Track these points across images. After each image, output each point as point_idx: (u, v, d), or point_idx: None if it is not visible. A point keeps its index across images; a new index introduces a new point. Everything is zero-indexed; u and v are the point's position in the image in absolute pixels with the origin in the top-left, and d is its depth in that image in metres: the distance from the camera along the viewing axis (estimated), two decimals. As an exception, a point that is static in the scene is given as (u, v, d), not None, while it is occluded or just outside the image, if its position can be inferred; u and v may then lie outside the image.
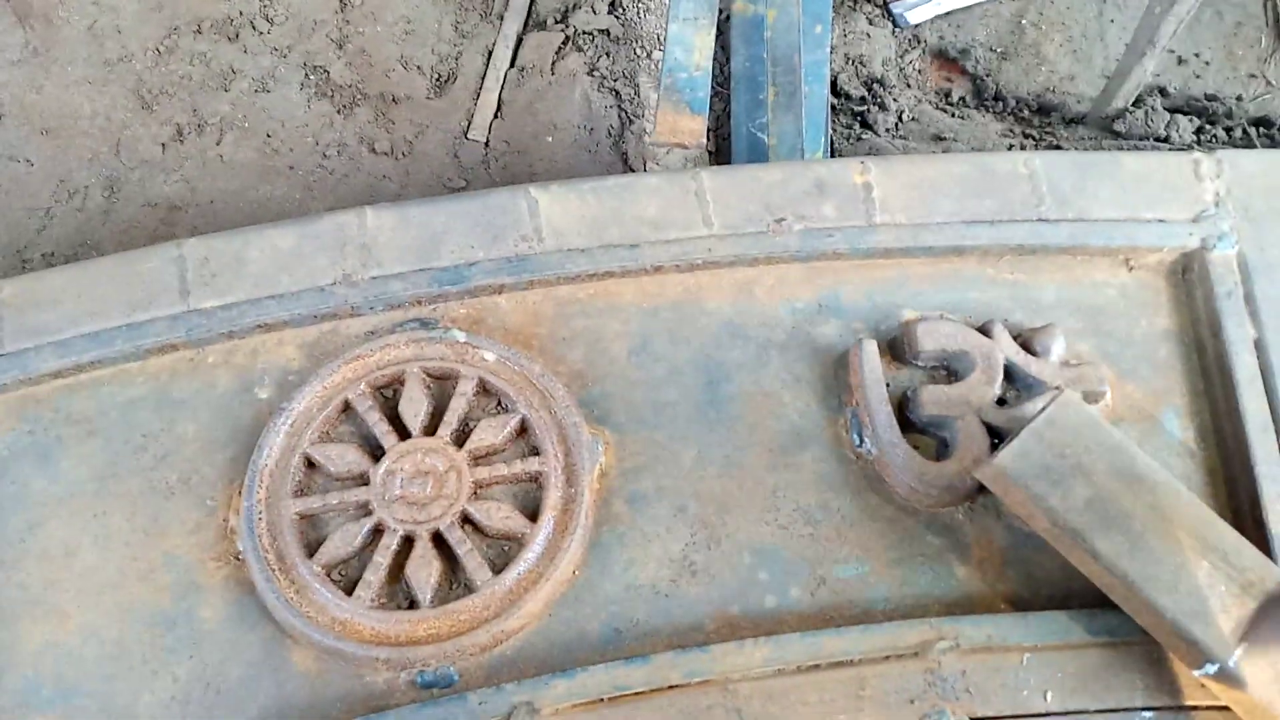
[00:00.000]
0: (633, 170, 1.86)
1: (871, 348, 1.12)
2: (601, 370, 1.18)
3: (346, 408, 1.12)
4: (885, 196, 1.24)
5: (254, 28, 2.07)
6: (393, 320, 1.20)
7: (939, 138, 1.92)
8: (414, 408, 1.11)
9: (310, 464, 1.09)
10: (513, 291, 1.22)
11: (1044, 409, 1.01)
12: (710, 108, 1.68)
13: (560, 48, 2.05)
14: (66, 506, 1.08)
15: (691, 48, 1.53)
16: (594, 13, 2.07)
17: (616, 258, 1.22)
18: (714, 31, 1.58)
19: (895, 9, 2.09)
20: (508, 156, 1.93)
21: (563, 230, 1.23)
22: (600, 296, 1.23)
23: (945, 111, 1.98)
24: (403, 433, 1.10)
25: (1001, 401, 1.11)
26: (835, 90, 1.95)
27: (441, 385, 1.16)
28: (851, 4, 2.08)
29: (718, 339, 1.19)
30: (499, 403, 1.14)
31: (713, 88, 1.75)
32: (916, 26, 2.10)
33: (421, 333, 1.16)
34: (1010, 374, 1.12)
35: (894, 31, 2.09)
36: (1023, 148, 1.85)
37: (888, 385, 1.12)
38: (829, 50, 1.84)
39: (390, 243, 1.21)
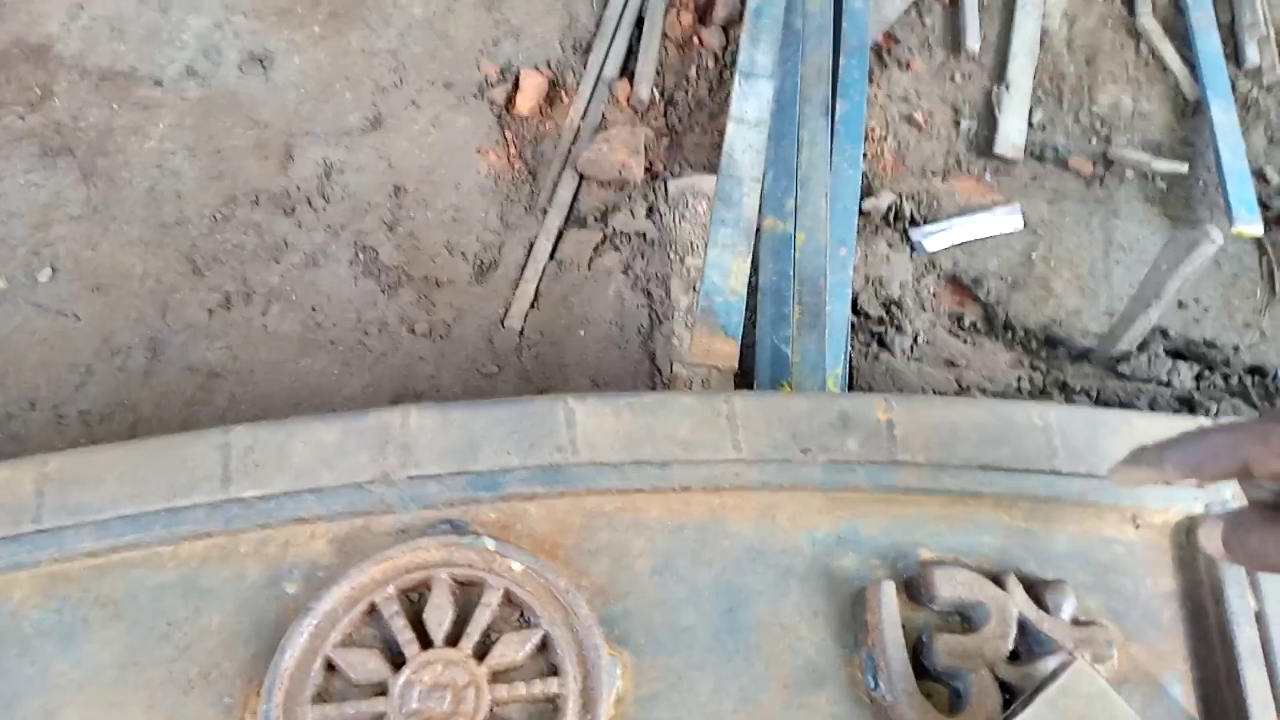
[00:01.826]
0: (659, 370, 1.89)
1: (890, 590, 1.12)
2: (624, 586, 1.17)
3: (372, 609, 1.11)
4: (906, 435, 1.26)
5: (310, 204, 2.14)
6: (425, 520, 1.20)
7: (951, 363, 1.96)
8: (439, 615, 1.10)
9: (331, 666, 1.07)
10: (543, 499, 1.22)
11: (1056, 673, 1.00)
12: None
13: (598, 246, 2.12)
14: (85, 693, 1.06)
15: (728, 273, 1.59)
16: (632, 215, 2.14)
17: (647, 475, 1.23)
18: (750, 258, 1.64)
19: (914, 236, 2.17)
20: (540, 346, 1.97)
21: (596, 443, 1.25)
22: (627, 510, 1.23)
23: (958, 337, 2.03)
24: (425, 640, 1.09)
25: (1014, 655, 1.10)
26: (855, 308, 2.00)
27: (467, 590, 1.15)
28: (874, 229, 2.16)
29: (739, 563, 1.19)
30: (522, 614, 1.13)
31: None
32: (933, 253, 2.18)
33: (452, 537, 1.16)
34: (1023, 628, 1.11)
35: (912, 256, 2.16)
36: (1030, 380, 1.89)
37: (903, 626, 1.12)
38: (851, 272, 1.90)
39: (430, 444, 1.23)
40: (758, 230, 1.87)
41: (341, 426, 1.24)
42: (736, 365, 1.53)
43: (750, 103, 1.92)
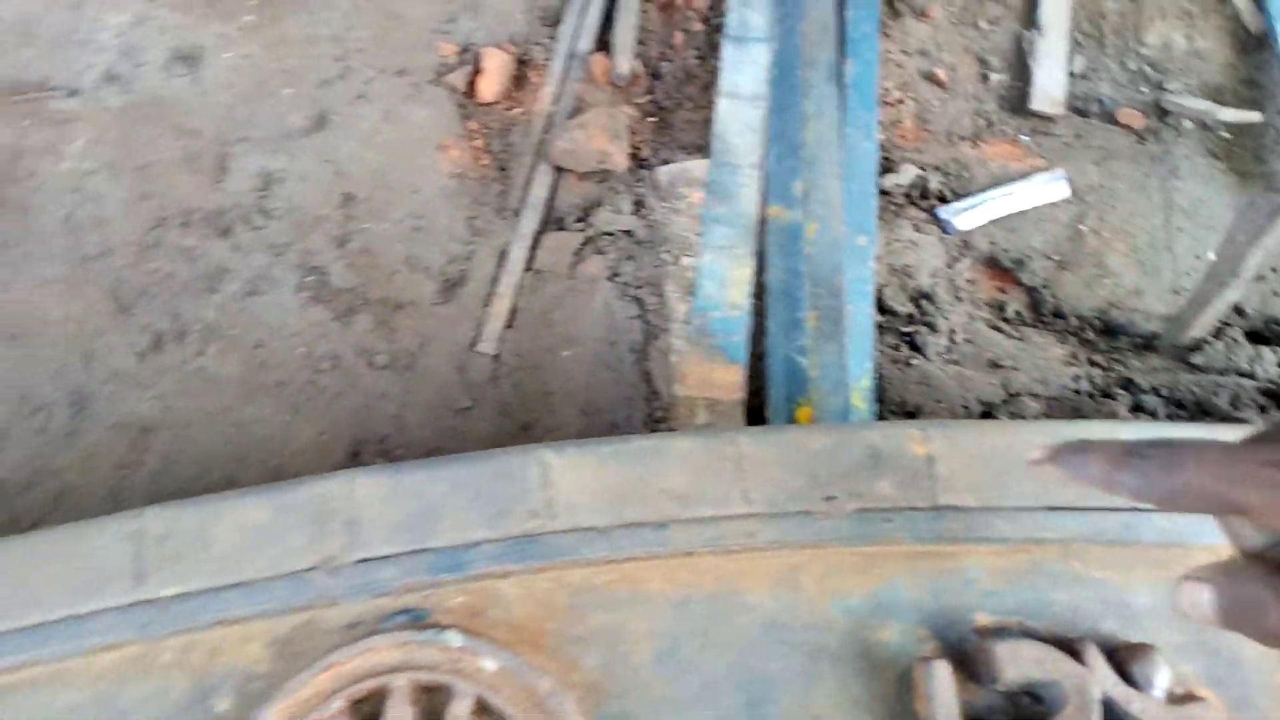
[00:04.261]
0: (657, 392, 1.78)
1: (943, 673, 1.00)
2: (622, 681, 1.06)
3: (318, 729, 1.00)
4: (951, 472, 1.14)
5: (248, 222, 2.04)
6: (378, 610, 1.09)
7: (995, 364, 1.84)
8: (398, 734, 0.99)
9: (270, 805, 0.96)
10: (520, 577, 1.11)
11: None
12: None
13: (580, 249, 2.01)
14: None
15: (726, 282, 1.47)
16: (618, 212, 2.03)
17: (641, 540, 1.12)
18: (753, 263, 1.52)
19: (942, 215, 2.05)
20: (520, 373, 1.86)
21: (577, 505, 1.13)
22: (621, 584, 1.12)
23: (1001, 331, 1.92)
24: (383, 765, 0.98)
25: (1100, 743, 0.98)
26: (880, 306, 1.89)
27: (432, 695, 1.04)
28: (896, 210, 2.05)
29: (758, 645, 1.08)
30: (499, 724, 1.02)
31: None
32: (966, 233, 2.06)
33: (410, 633, 1.05)
34: (1108, 710, 1.00)
35: (942, 239, 2.04)
36: (1090, 380, 1.77)
37: (962, 712, 1.00)
38: (873, 264, 1.79)
39: (380, 517, 1.12)
40: (761, 223, 1.75)
41: (272, 503, 1.13)
42: (742, 394, 1.41)
43: (743, 73, 1.80)
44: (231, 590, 1.08)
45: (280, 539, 1.10)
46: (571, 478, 1.15)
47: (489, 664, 1.04)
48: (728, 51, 1.81)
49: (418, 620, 1.07)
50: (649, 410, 1.78)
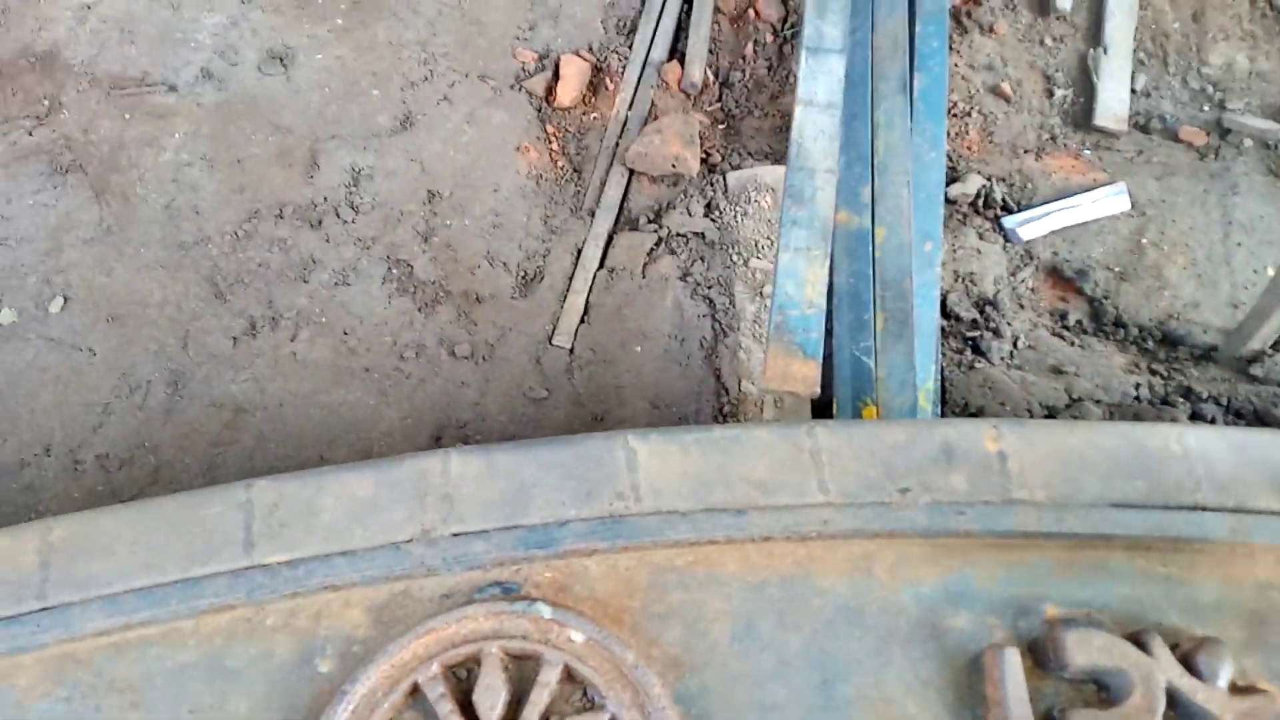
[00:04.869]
0: (725, 388, 1.80)
1: (1014, 660, 1.02)
2: (700, 657, 1.09)
3: (415, 690, 1.04)
4: (1022, 469, 1.15)
5: (338, 215, 2.08)
6: (471, 582, 1.12)
7: (1058, 370, 1.84)
8: (490, 697, 1.02)
9: (372, 759, 1.00)
10: (605, 555, 1.14)
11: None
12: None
13: (652, 249, 2.03)
14: (95, 798, 1.00)
15: (803, 282, 1.49)
16: (689, 214, 2.06)
17: (721, 524, 1.14)
18: (827, 263, 1.54)
19: (1007, 224, 2.05)
20: (593, 366, 1.89)
21: (662, 489, 1.16)
22: (700, 565, 1.14)
23: (1063, 339, 1.91)
24: (476, 726, 1.01)
25: (1165, 731, 0.99)
26: (945, 311, 1.89)
27: (522, 665, 1.07)
28: (961, 218, 2.05)
29: (832, 626, 1.10)
30: (585, 693, 1.05)
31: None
32: (1029, 243, 2.06)
33: (503, 604, 1.09)
34: (1173, 699, 1.01)
35: (1006, 247, 2.04)
36: (1150, 387, 1.77)
37: (1030, 698, 1.01)
38: (939, 269, 1.79)
39: (474, 495, 1.15)
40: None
41: (375, 477, 1.16)
42: (818, 389, 1.43)
43: (819, 82, 1.81)
44: (336, 558, 1.11)
45: (382, 511, 1.14)
46: (656, 463, 1.17)
47: (577, 635, 1.07)
48: (804, 61, 1.83)
49: (509, 593, 1.11)
50: (718, 405, 1.80)
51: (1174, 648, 1.05)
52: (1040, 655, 1.06)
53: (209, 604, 1.09)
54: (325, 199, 2.10)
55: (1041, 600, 1.10)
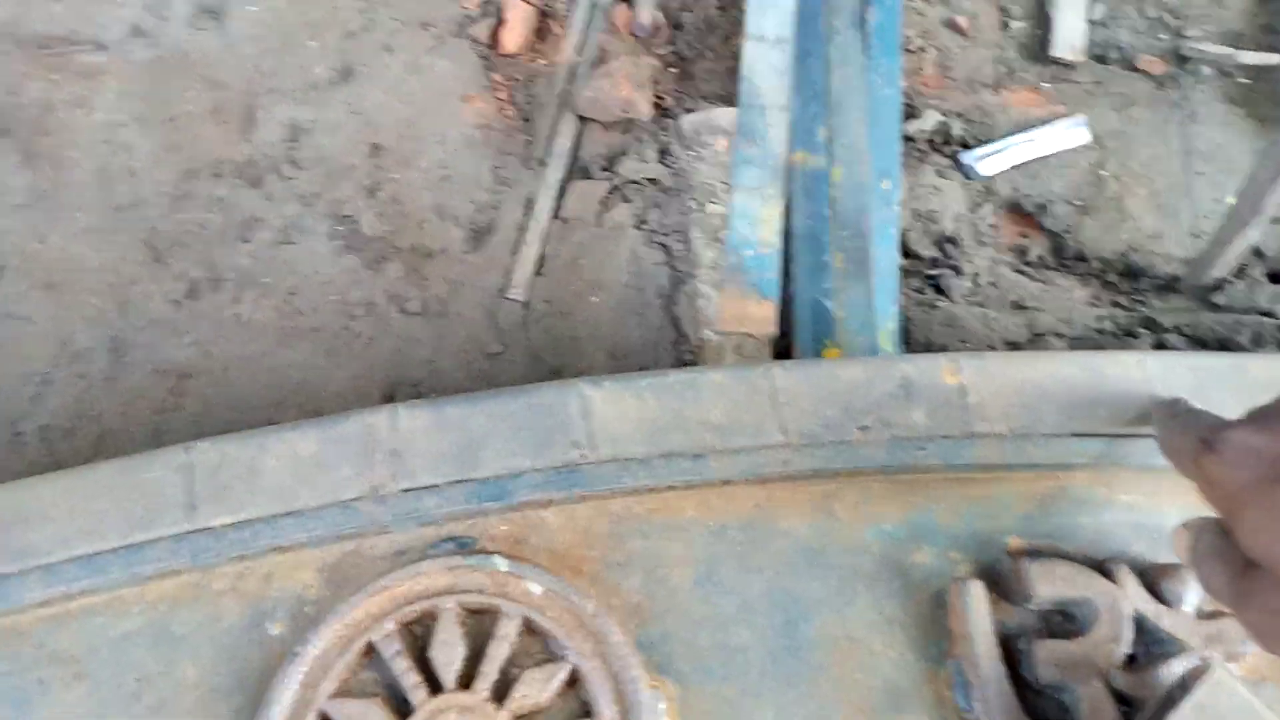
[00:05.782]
0: (685, 336, 1.78)
1: (978, 592, 1.02)
2: (662, 604, 1.08)
3: (370, 650, 1.02)
4: (982, 401, 1.15)
5: (278, 172, 2.04)
6: (425, 539, 1.11)
7: (1020, 306, 1.84)
8: (448, 653, 1.01)
9: (326, 720, 0.99)
10: (561, 505, 1.13)
11: (1186, 681, 0.90)
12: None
13: (606, 198, 2.01)
14: (45, 770, 0.98)
15: (758, 221, 1.47)
16: (643, 160, 2.03)
17: (679, 469, 1.13)
18: (783, 202, 1.52)
19: (966, 160, 2.04)
20: (549, 319, 1.87)
21: (618, 436, 1.14)
22: (660, 512, 1.13)
23: (1024, 274, 1.91)
24: (434, 682, 1.00)
25: (1131, 659, 1.00)
26: (905, 251, 1.88)
27: (479, 620, 1.06)
28: (919, 156, 2.04)
29: (794, 567, 1.10)
30: (545, 645, 1.04)
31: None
32: (989, 179, 2.05)
33: (458, 559, 1.07)
34: (1139, 627, 1.01)
35: (965, 184, 2.03)
36: (1113, 320, 1.77)
37: (996, 631, 1.02)
38: (898, 208, 1.78)
39: (424, 449, 1.13)
40: (788, 168, 1.75)
41: (318, 435, 1.14)
42: (775, 330, 1.42)
43: (769, 16, 1.79)
44: (282, 519, 1.09)
45: (328, 469, 1.12)
46: (611, 410, 1.15)
47: (534, 587, 1.05)
48: (752, -3, 1.81)
49: (464, 547, 1.09)
50: (677, 353, 1.78)
51: (1140, 574, 1.05)
52: (1005, 587, 1.06)
53: (153, 570, 1.07)
54: (265, 155, 2.05)
55: (1004, 533, 1.11)
